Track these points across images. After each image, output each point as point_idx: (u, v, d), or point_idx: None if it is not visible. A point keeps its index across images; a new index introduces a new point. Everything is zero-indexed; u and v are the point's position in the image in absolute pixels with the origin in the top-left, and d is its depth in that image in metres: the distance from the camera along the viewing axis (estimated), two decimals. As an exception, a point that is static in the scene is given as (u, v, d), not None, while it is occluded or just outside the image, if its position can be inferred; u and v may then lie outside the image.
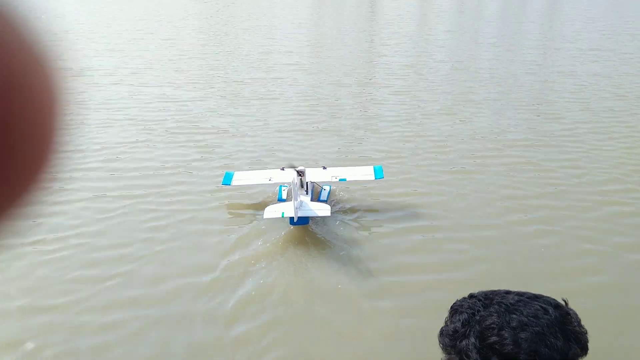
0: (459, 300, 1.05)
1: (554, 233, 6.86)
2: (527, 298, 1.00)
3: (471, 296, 1.04)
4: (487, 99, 13.05)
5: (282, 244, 6.46)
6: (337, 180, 7.40)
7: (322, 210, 6.77)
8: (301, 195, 6.98)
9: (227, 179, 7.70)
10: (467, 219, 7.20)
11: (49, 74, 0.28)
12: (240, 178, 7.70)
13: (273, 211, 6.67)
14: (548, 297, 1.01)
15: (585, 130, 10.73)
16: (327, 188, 7.71)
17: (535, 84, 14.87)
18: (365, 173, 7.60)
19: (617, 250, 6.51)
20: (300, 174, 7.20)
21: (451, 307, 1.04)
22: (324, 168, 7.75)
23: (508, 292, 1.02)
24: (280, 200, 7.34)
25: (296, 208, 6.44)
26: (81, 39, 19.83)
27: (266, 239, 6.55)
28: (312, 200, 7.11)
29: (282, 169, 7.52)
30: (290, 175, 6.98)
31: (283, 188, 7.57)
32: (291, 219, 6.51)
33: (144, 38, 20.92)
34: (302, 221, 6.62)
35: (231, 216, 7.31)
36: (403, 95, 13.36)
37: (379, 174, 7.57)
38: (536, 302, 0.96)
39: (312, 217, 6.77)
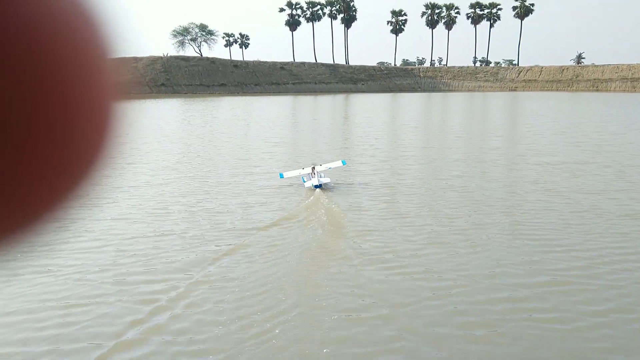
0: None
1: None
2: None
3: None
4: (474, 225, 11.58)
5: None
6: (329, 168, 15.81)
7: (326, 180, 15.01)
8: (316, 177, 14.79)
9: (281, 175, 15.97)
10: None
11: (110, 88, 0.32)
12: (287, 174, 15.87)
13: (309, 185, 14.71)
14: None
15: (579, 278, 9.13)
16: (328, 177, 15.57)
17: (523, 204, 13.60)
18: (338, 164, 16.20)
19: None
20: (314, 168, 15.32)
21: None
22: (320, 165, 16.08)
23: None
24: (304, 182, 15.07)
25: (318, 180, 14.59)
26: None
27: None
28: (320, 179, 14.84)
29: (302, 168, 16.02)
30: (309, 170, 15.30)
31: (305, 178, 15.25)
32: (315, 185, 14.49)
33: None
34: (318, 187, 14.39)
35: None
36: (387, 220, 11.82)
37: (344, 162, 16.49)
38: None
39: (324, 184, 14.70)
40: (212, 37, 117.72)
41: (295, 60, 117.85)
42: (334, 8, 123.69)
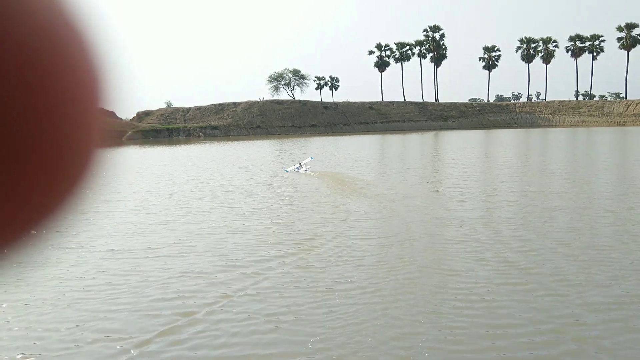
0: None
1: None
2: None
3: None
4: (621, 301, 8.33)
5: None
6: (306, 162, 28.25)
7: (306, 167, 26.98)
8: (302, 167, 26.99)
9: (285, 169, 27.84)
10: None
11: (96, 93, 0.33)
12: (289, 169, 27.41)
13: (294, 170, 26.86)
14: None
15: None
16: (307, 167, 27.00)
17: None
18: (308, 159, 29.78)
19: None
20: (300, 163, 27.87)
21: None
22: (303, 160, 28.95)
23: None
24: (295, 170, 26.87)
25: (298, 169, 27.02)
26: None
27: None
28: (303, 167, 26.92)
29: (295, 164, 28.28)
30: (299, 162, 28.16)
31: (295, 168, 27.26)
32: (297, 169, 26.99)
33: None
34: (300, 169, 26.85)
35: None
36: (498, 287, 8.98)
37: (312, 158, 31.49)
38: None
39: (308, 169, 26.75)
40: (304, 80, 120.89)
41: (384, 100, 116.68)
42: (424, 47, 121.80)
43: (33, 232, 0.33)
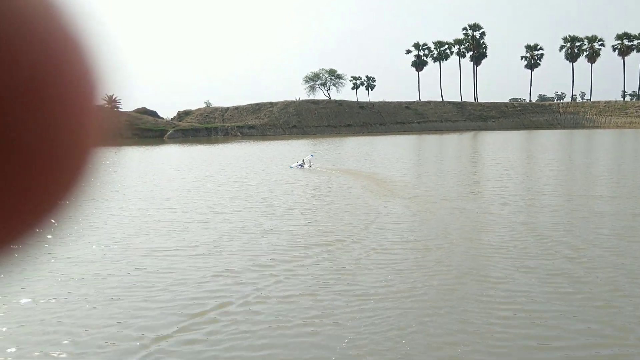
0: None
1: None
2: None
3: None
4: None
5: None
6: (309, 159, 31.14)
7: (309, 164, 29.84)
8: (305, 164, 29.92)
9: (290, 166, 30.18)
10: None
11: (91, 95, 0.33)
12: (292, 165, 30.41)
13: (298, 166, 29.67)
14: None
15: None
16: (311, 164, 30.08)
17: None
18: (309, 156, 31.98)
19: None
20: (303, 159, 30.79)
21: None
22: (306, 157, 32.09)
23: None
24: (298, 166, 29.74)
25: (301, 165, 29.92)
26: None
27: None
28: (306, 164, 30.00)
29: (300, 161, 30.97)
30: (302, 159, 30.94)
31: (298, 165, 29.99)
32: (300, 166, 29.73)
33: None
34: (303, 166, 29.76)
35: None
36: (554, 304, 8.44)
37: (312, 155, 32.86)
38: None
39: (311, 165, 29.87)
40: (341, 80, 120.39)
41: (421, 100, 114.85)
42: (463, 46, 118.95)
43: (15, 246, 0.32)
